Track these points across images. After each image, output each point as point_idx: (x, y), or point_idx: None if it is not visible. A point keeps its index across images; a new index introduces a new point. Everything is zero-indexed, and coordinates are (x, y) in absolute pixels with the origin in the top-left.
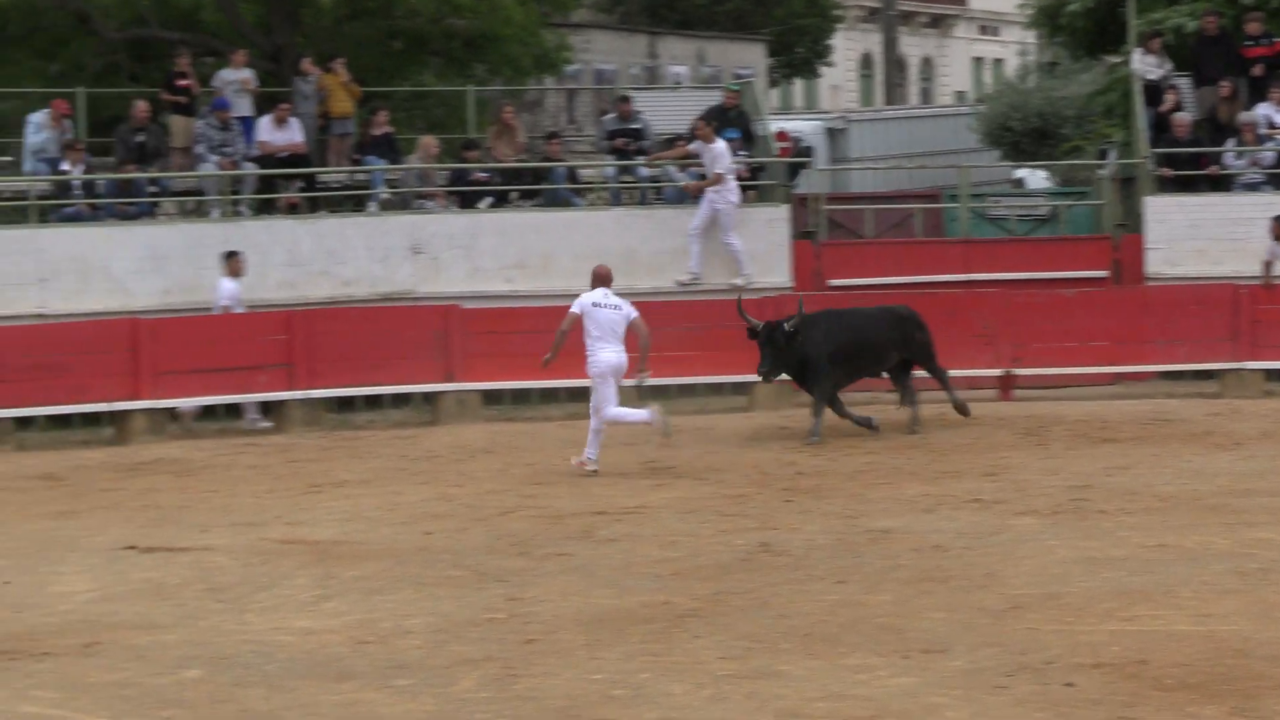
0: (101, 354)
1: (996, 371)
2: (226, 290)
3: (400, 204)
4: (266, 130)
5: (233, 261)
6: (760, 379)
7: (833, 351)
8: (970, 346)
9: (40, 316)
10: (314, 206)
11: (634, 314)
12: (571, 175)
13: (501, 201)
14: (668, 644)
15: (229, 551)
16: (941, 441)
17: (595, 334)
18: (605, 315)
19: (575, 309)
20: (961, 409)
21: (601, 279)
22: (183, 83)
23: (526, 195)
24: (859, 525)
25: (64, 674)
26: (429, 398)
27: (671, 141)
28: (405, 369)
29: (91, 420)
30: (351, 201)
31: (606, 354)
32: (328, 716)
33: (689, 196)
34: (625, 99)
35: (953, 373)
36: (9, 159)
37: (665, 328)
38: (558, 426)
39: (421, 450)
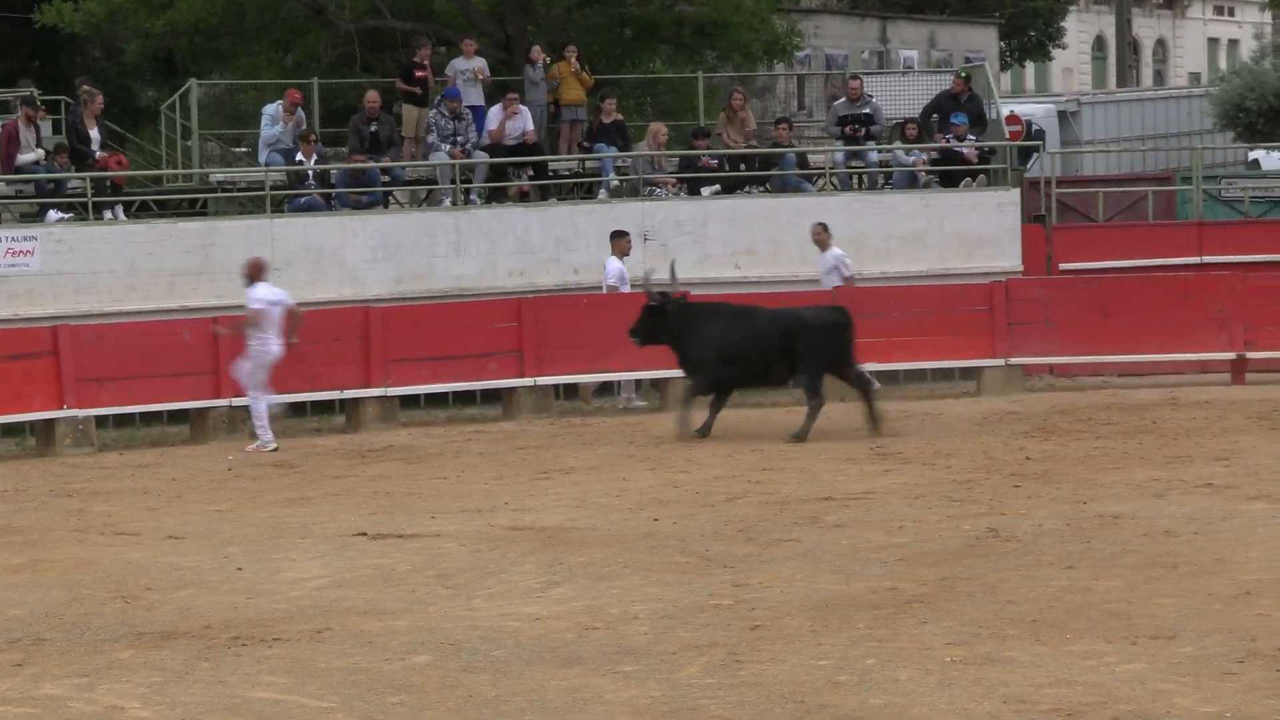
0: (333, 342)
1: (1229, 355)
2: (613, 269)
3: (630, 191)
4: (496, 119)
5: (620, 241)
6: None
7: (716, 355)
8: (1203, 330)
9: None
10: (544, 194)
11: None
12: (801, 161)
13: (731, 188)
14: (894, 630)
15: (458, 538)
16: (1172, 426)
17: None
18: None
19: None
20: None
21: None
22: (420, 74)
23: (756, 181)
24: (1088, 510)
25: (295, 660)
26: (656, 384)
27: (901, 126)
28: (633, 355)
29: (324, 408)
30: (581, 189)
31: None
32: (554, 702)
33: (920, 181)
34: (855, 78)
35: (1185, 356)
36: (245, 150)
37: (893, 313)
38: (784, 413)
39: (649, 436)
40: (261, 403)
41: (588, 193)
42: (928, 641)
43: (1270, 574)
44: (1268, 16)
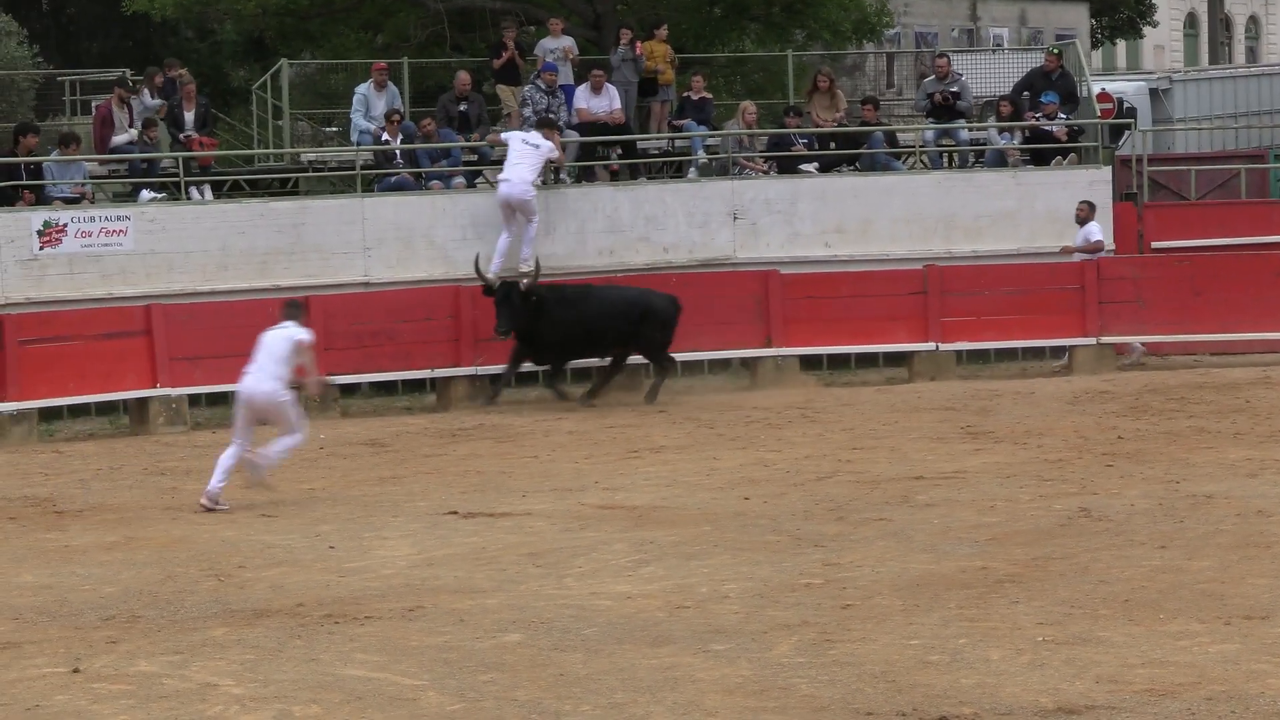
0: (424, 321)
1: None
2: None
3: (719, 170)
4: (584, 98)
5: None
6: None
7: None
8: None
9: (366, 285)
10: (633, 173)
11: None
12: (890, 139)
13: (825, 168)
14: (985, 609)
15: (548, 517)
16: (1265, 405)
17: None
18: None
19: None
20: (652, 395)
21: None
22: (505, 54)
23: (846, 160)
24: (1180, 490)
25: (386, 638)
26: (747, 363)
27: (995, 104)
28: (724, 334)
29: (415, 386)
30: (670, 168)
31: None
32: (645, 681)
33: (1010, 160)
34: (943, 55)
35: (1272, 335)
36: (335, 129)
37: (984, 291)
38: (875, 391)
39: (740, 415)
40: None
41: (677, 172)
42: (1019, 621)
43: None
44: None
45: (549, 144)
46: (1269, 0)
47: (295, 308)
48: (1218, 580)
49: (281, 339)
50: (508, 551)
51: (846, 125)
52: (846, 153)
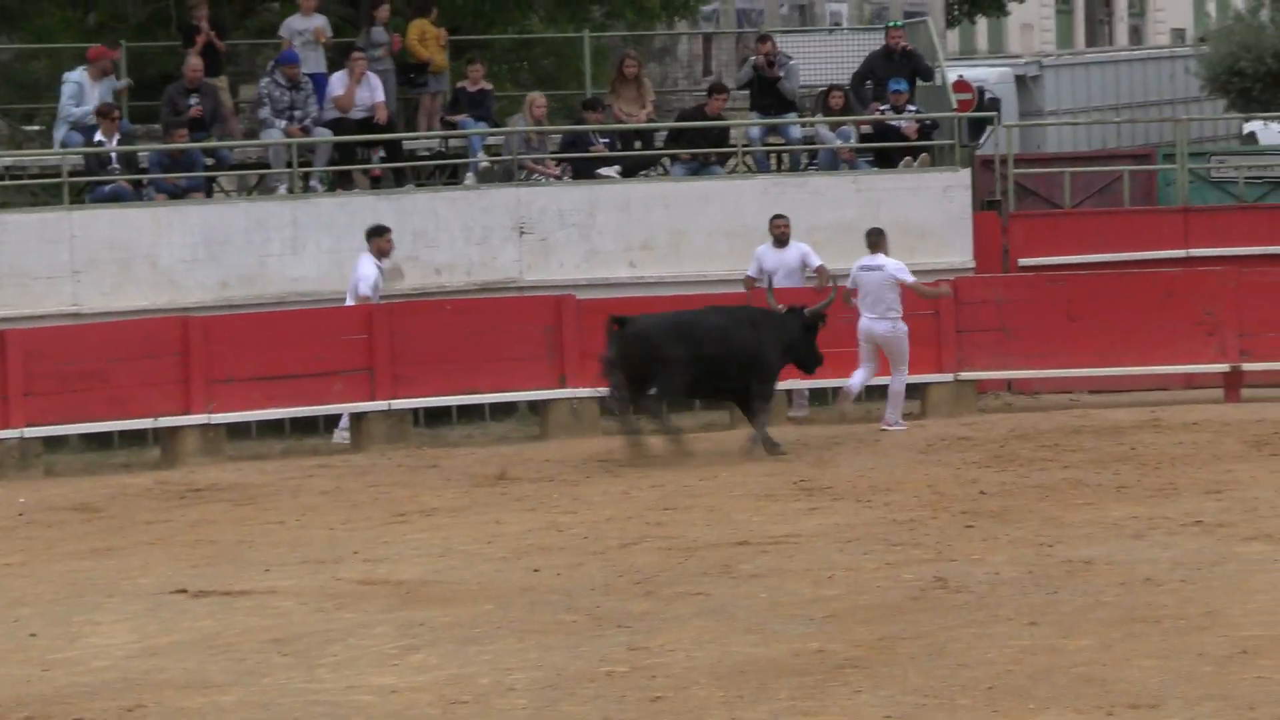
0: (145, 360)
1: (1221, 367)
2: (367, 277)
3: (502, 175)
4: (340, 88)
5: (379, 240)
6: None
7: None
8: (1190, 337)
9: (75, 316)
10: (399, 179)
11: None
12: (711, 137)
13: (630, 171)
14: (822, 700)
15: (297, 594)
16: (1155, 452)
17: None
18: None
19: None
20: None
21: None
22: (200, 38)
23: (653, 162)
24: (1054, 555)
25: None
26: (536, 407)
27: (827, 93)
28: (509, 372)
29: (134, 439)
30: (444, 173)
31: None
32: None
33: (844, 165)
34: (765, 39)
35: (1169, 369)
36: (38, 128)
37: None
38: (693, 439)
39: (528, 469)
40: None
41: (452, 177)
42: (863, 714)
43: (1270, 629)
44: None
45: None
46: None
47: None
48: (1098, 662)
49: None
50: (247, 637)
51: (656, 121)
52: (656, 152)
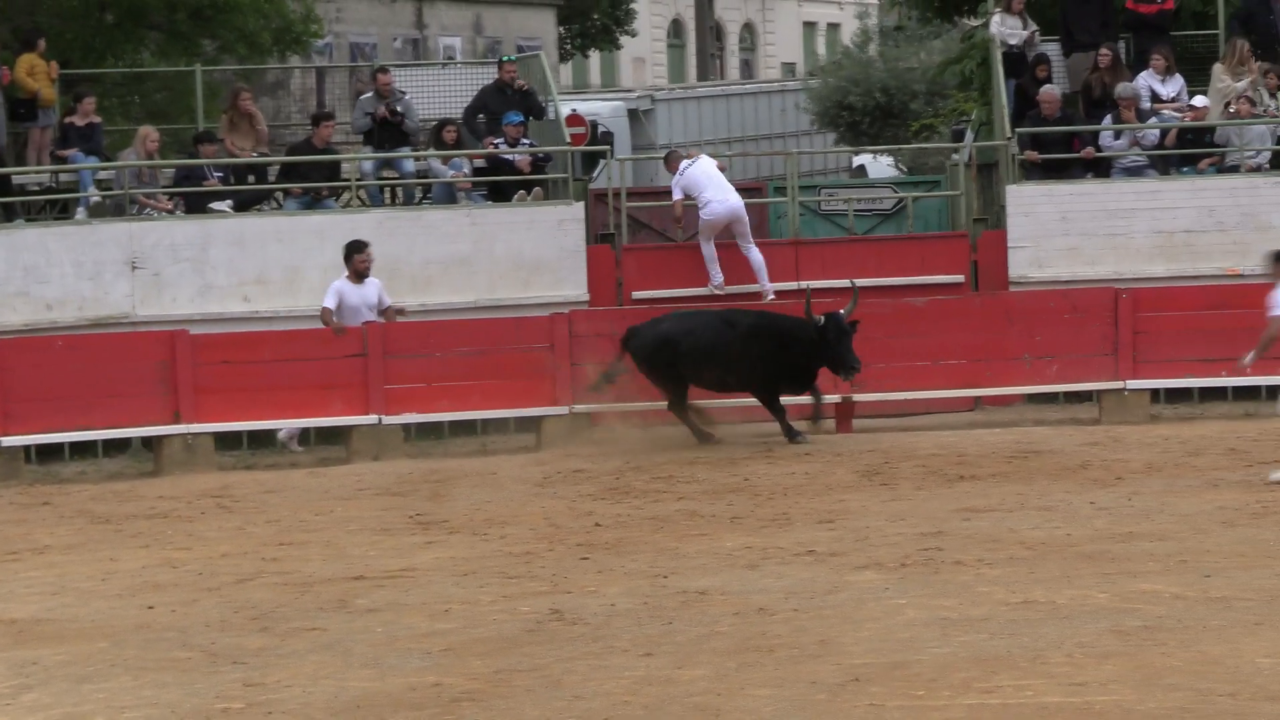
0: None
1: (833, 398)
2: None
3: (114, 209)
4: None
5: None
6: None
7: None
8: None
9: None
10: (9, 214)
11: None
12: (325, 170)
13: (244, 205)
14: None
15: None
16: (768, 483)
17: None
18: None
19: None
20: None
21: None
22: None
23: (266, 197)
24: (669, 586)
25: None
26: (150, 443)
27: (440, 127)
28: (122, 409)
29: None
30: (55, 207)
31: None
32: None
33: (462, 195)
34: (384, 70)
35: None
36: None
37: (435, 353)
38: (306, 475)
39: (141, 507)
40: None
41: (62, 212)
42: None
43: (882, 656)
44: None
45: None
46: (765, 5)
47: None
48: (713, 691)
49: None
50: None
51: (268, 155)
52: (269, 187)
